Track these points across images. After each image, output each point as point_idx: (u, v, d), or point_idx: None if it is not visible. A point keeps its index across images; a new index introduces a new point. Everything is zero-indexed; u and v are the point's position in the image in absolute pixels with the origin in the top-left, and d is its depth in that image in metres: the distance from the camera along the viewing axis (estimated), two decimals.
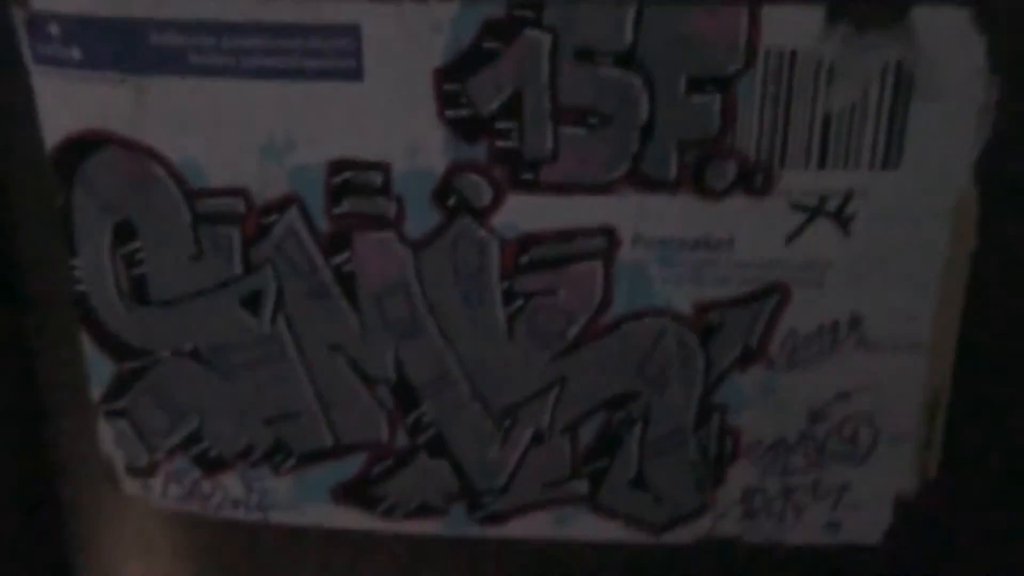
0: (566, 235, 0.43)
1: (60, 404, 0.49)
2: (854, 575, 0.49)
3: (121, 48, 0.41)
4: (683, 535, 0.48)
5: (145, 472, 0.49)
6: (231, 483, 0.49)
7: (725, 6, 0.39)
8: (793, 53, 0.39)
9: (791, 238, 0.42)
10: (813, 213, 0.42)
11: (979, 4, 0.38)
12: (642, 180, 0.42)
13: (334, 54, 0.40)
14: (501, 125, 0.41)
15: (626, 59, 0.40)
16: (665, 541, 0.48)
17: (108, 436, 0.49)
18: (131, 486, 0.50)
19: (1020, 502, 0.47)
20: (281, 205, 0.43)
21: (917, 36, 0.39)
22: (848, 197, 0.42)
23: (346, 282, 0.44)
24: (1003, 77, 0.39)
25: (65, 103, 0.42)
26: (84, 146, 0.43)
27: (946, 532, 0.48)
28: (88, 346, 0.47)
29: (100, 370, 0.47)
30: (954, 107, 0.40)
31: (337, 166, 0.42)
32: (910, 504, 0.47)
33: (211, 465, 0.48)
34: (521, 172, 0.42)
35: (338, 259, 0.44)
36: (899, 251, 0.42)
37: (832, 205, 0.42)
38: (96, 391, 0.48)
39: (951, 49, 0.39)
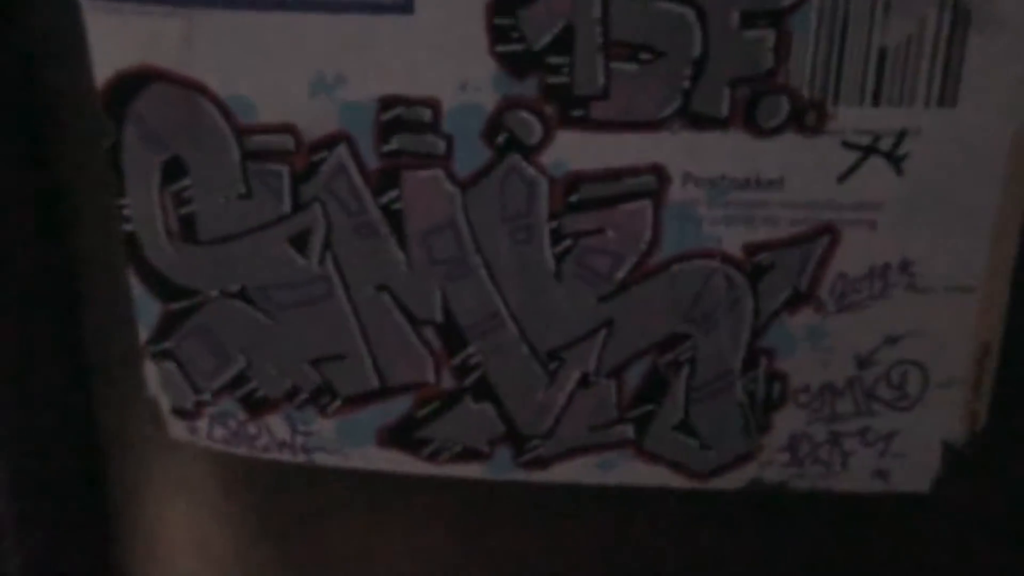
0: (615, 174, 0.42)
1: (106, 345, 0.50)
2: (902, 523, 0.48)
3: None
4: (729, 481, 0.48)
5: (191, 414, 0.49)
6: (277, 425, 0.49)
7: None
8: None
9: (843, 178, 0.42)
10: (866, 152, 0.41)
11: None
12: (693, 118, 0.41)
13: None
14: (552, 60, 0.41)
15: None
16: (710, 487, 0.48)
17: (154, 377, 0.49)
18: (176, 428, 0.50)
19: None
20: (330, 142, 0.43)
21: None
22: (902, 135, 0.41)
23: (394, 221, 0.44)
24: None
25: (115, 38, 0.42)
26: (134, 82, 0.43)
27: (996, 480, 0.47)
28: (136, 286, 0.47)
29: (147, 311, 0.47)
30: (1013, 41, 0.39)
31: (387, 102, 0.42)
32: (959, 451, 0.47)
33: (257, 406, 0.48)
34: (571, 109, 0.41)
35: (386, 197, 0.43)
36: (953, 192, 0.42)
37: (886, 144, 0.41)
38: (143, 332, 0.48)
39: None
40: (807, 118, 0.41)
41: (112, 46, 0.42)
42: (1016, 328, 0.44)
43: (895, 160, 0.41)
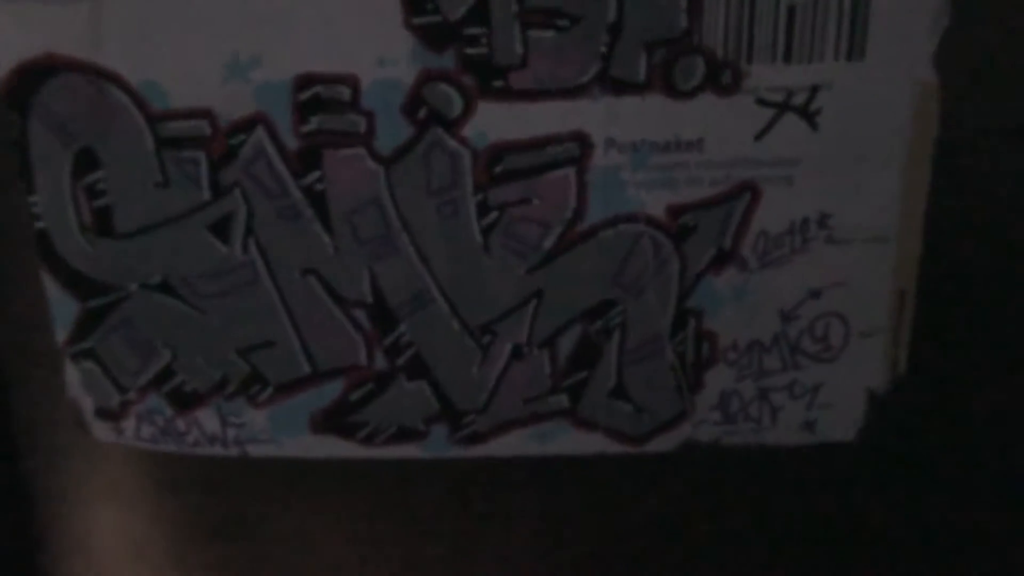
0: (538, 143, 0.43)
1: (22, 348, 0.48)
2: (832, 474, 0.49)
3: None
4: (663, 443, 0.48)
5: (116, 414, 0.48)
6: (206, 419, 0.48)
7: None
8: None
9: (760, 135, 0.43)
10: (780, 109, 0.42)
11: None
12: (612, 83, 0.42)
13: None
14: (469, 31, 0.41)
15: None
16: (646, 450, 0.48)
17: (74, 379, 0.47)
18: (101, 430, 0.48)
19: (990, 393, 0.48)
20: (248, 125, 0.42)
21: None
22: (814, 91, 0.42)
23: (317, 202, 0.43)
24: None
25: (16, 27, 0.41)
26: (38, 73, 0.41)
27: (919, 427, 0.49)
28: (50, 285, 0.45)
29: (64, 310, 0.46)
30: None
31: (304, 81, 0.41)
32: (882, 400, 0.48)
33: (185, 401, 0.47)
34: (491, 79, 0.41)
35: (308, 179, 0.43)
36: (865, 143, 0.43)
37: (799, 100, 0.42)
38: (60, 332, 0.46)
39: None
40: (723, 78, 0.42)
41: (12, 36, 0.41)
42: (930, 275, 0.46)
43: (809, 115, 0.42)
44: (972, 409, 0.48)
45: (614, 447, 0.48)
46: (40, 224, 0.44)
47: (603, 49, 0.41)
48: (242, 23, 0.40)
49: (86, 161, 0.43)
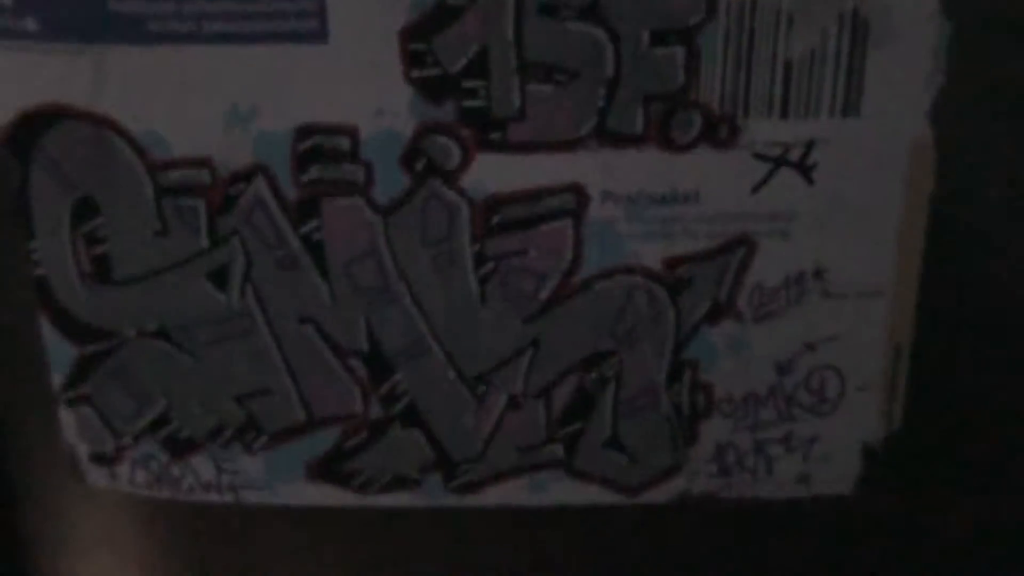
0: (535, 194, 0.43)
1: (17, 393, 0.48)
2: (827, 526, 0.49)
3: (78, 17, 0.40)
4: (658, 495, 0.48)
5: (110, 460, 0.48)
6: (201, 465, 0.48)
7: None
8: (754, 2, 0.40)
9: (756, 189, 0.43)
10: (777, 163, 0.43)
11: None
12: (609, 136, 0.42)
13: (297, 16, 0.40)
14: (468, 84, 0.41)
15: (590, 13, 0.40)
16: (641, 501, 0.48)
17: (70, 425, 0.47)
18: (95, 475, 0.48)
19: (985, 447, 0.48)
20: (247, 174, 0.42)
21: None
22: (810, 146, 0.42)
23: (315, 251, 0.44)
24: (955, 21, 0.40)
25: (19, 77, 0.41)
26: (40, 121, 0.42)
27: (915, 480, 0.48)
28: (48, 331, 0.46)
29: (60, 356, 0.46)
30: (909, 52, 0.41)
31: (303, 132, 0.42)
32: (878, 453, 0.48)
33: (180, 448, 0.47)
34: (489, 131, 0.42)
35: (307, 228, 0.43)
36: (860, 198, 0.43)
37: (795, 155, 0.42)
38: (57, 377, 0.46)
39: None
40: (720, 132, 0.42)
41: (16, 85, 0.41)
42: (926, 330, 0.46)
43: (805, 170, 0.43)
44: (968, 463, 0.48)
45: (609, 498, 0.48)
46: (39, 270, 0.45)
47: (600, 103, 0.41)
48: (242, 74, 0.41)
49: (86, 208, 0.43)
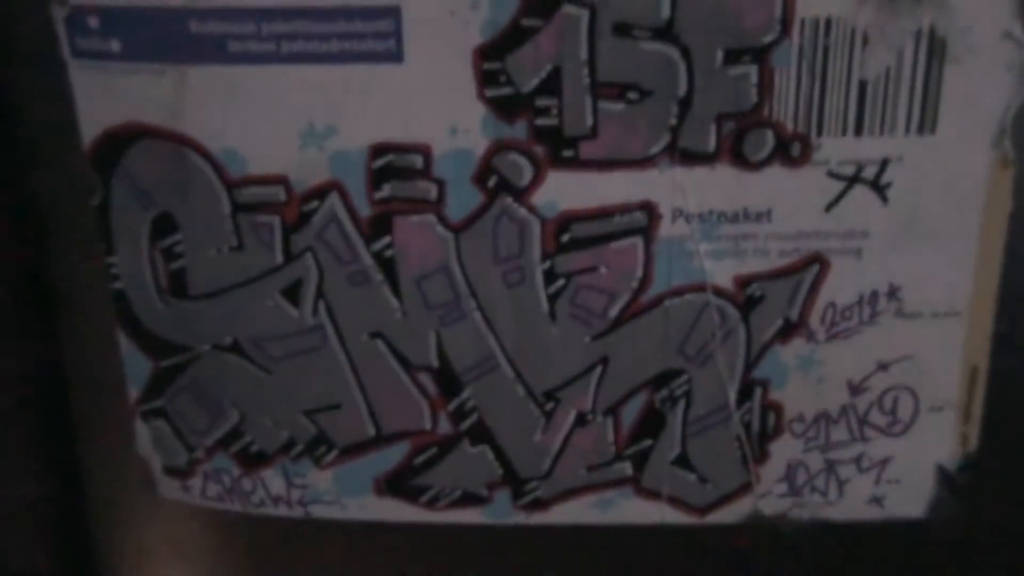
0: (606, 212, 0.43)
1: (94, 406, 0.49)
2: (899, 548, 0.49)
3: (160, 38, 0.41)
4: (728, 515, 0.48)
5: (183, 472, 0.49)
6: (272, 479, 0.48)
7: None
8: (828, 21, 0.40)
9: (829, 207, 0.43)
10: (851, 181, 0.42)
11: None
12: (681, 154, 0.42)
13: (374, 36, 0.40)
14: (541, 103, 0.41)
15: (664, 32, 0.40)
16: (710, 521, 0.48)
17: (145, 437, 0.48)
18: (168, 487, 0.49)
19: None
20: (322, 192, 0.43)
21: (949, 0, 0.40)
22: (885, 164, 0.42)
23: (387, 267, 0.44)
24: None
25: (103, 96, 0.42)
26: (122, 140, 0.43)
27: (990, 503, 0.48)
28: (125, 345, 0.47)
29: (137, 369, 0.47)
30: (987, 70, 0.40)
31: (378, 150, 0.42)
32: (952, 475, 0.47)
33: (252, 461, 0.48)
34: (561, 149, 0.42)
35: (379, 244, 0.44)
36: (936, 218, 0.43)
37: (869, 173, 0.42)
38: (133, 390, 0.47)
39: (983, 12, 0.40)
40: (792, 150, 0.42)
41: (100, 104, 0.43)
42: (1003, 351, 0.45)
43: (879, 188, 0.42)
44: None
45: (677, 517, 0.48)
46: (118, 284, 0.45)
47: (673, 121, 0.41)
48: (318, 93, 0.41)
49: (164, 224, 0.44)
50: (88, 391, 0.49)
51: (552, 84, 0.41)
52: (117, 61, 0.41)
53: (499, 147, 0.42)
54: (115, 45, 0.41)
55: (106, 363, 0.47)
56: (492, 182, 0.43)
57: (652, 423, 0.46)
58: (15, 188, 0.45)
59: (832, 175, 0.42)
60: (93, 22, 0.41)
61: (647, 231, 0.43)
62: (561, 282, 0.44)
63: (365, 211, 0.43)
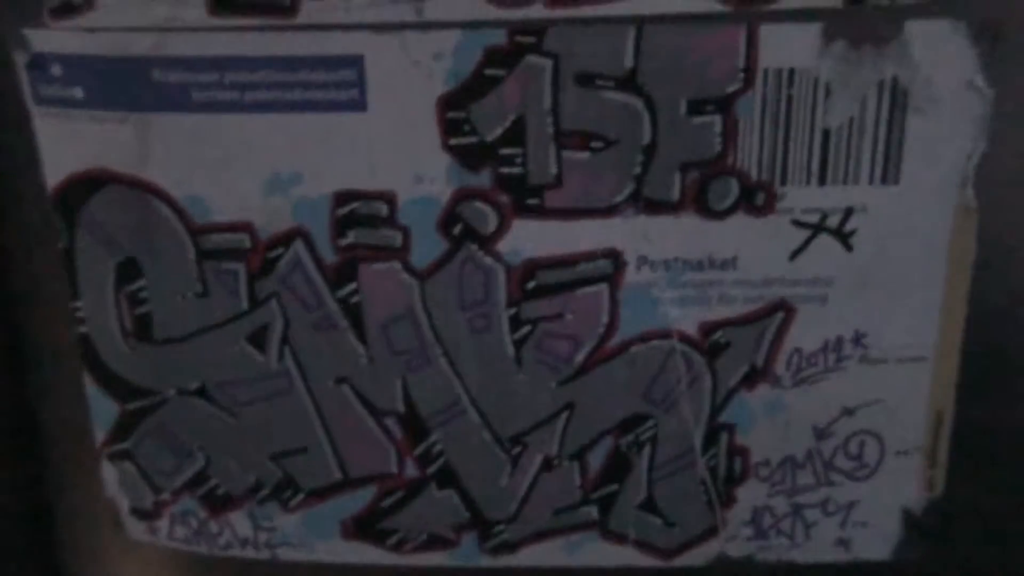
0: (571, 259, 0.43)
1: (61, 448, 0.49)
2: None
3: (124, 87, 0.41)
4: (694, 558, 0.48)
5: (150, 514, 0.48)
6: (239, 522, 0.48)
7: (723, 27, 0.39)
8: (791, 72, 0.40)
9: (794, 255, 0.43)
10: (815, 230, 0.42)
11: (971, 17, 0.39)
12: (645, 202, 0.42)
13: (338, 85, 0.40)
14: (505, 151, 0.41)
15: (627, 82, 0.40)
16: (676, 564, 0.48)
17: (112, 479, 0.48)
18: (135, 529, 0.49)
19: None
20: (286, 238, 0.43)
21: (911, 51, 0.40)
22: (849, 213, 0.42)
23: (353, 313, 0.44)
24: (997, 88, 0.40)
25: (67, 143, 0.42)
26: (87, 186, 0.43)
27: (955, 545, 0.48)
28: (91, 388, 0.46)
29: (103, 412, 0.47)
30: (950, 120, 0.41)
31: (342, 197, 0.42)
32: (918, 518, 0.47)
33: (218, 504, 0.48)
34: (526, 198, 0.42)
35: (344, 291, 0.44)
36: (901, 265, 0.43)
37: (833, 221, 0.42)
38: (99, 433, 0.47)
39: (945, 62, 0.40)
40: (757, 199, 0.42)
41: (64, 151, 0.42)
42: (968, 396, 0.45)
43: (843, 237, 0.42)
44: (1008, 531, 0.47)
45: (644, 560, 0.48)
46: (83, 329, 0.45)
47: (637, 170, 0.41)
48: (283, 141, 0.41)
49: (129, 270, 0.44)
50: (56, 432, 0.49)
51: (516, 133, 0.41)
52: (80, 108, 0.41)
53: (464, 195, 0.42)
54: (78, 92, 0.41)
55: (74, 405, 0.47)
56: (457, 230, 0.43)
57: (618, 467, 0.46)
58: None
59: (796, 223, 0.42)
60: (56, 69, 0.41)
61: (612, 278, 0.43)
62: (527, 328, 0.44)
63: (330, 258, 0.43)
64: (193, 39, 0.40)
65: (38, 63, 0.41)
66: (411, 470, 0.47)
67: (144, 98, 0.41)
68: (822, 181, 0.42)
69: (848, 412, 0.46)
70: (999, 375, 0.45)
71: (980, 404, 0.45)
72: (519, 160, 0.41)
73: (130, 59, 0.40)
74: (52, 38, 0.41)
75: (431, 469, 0.47)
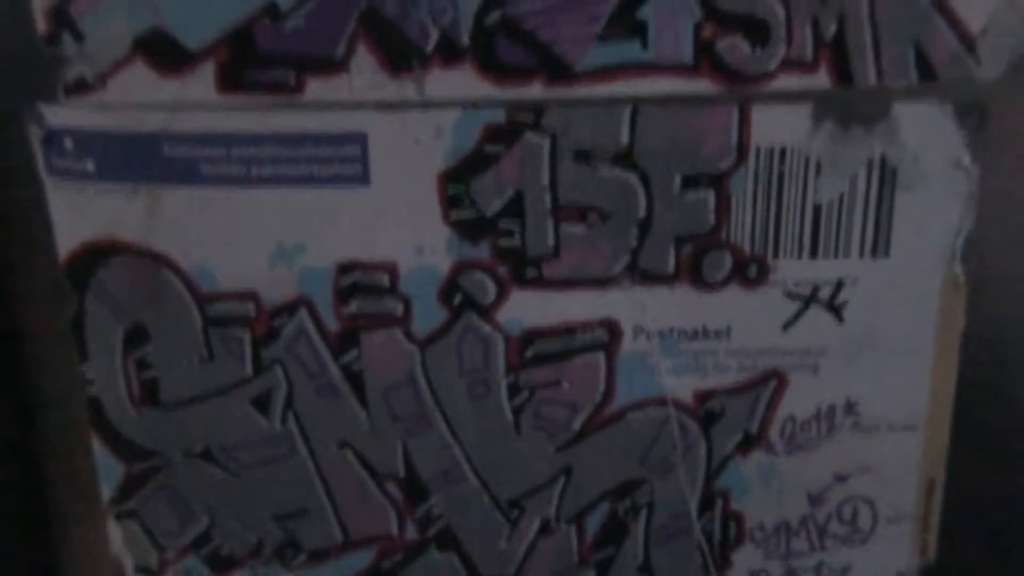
0: (569, 329, 0.44)
1: (69, 506, 0.50)
2: None
3: (134, 160, 0.42)
4: None
5: (154, 573, 0.49)
6: None
7: (716, 108, 0.41)
8: (782, 150, 0.41)
9: (787, 326, 0.44)
10: (807, 301, 0.43)
11: (956, 100, 0.40)
12: (641, 274, 0.43)
13: (341, 161, 0.42)
14: (504, 225, 0.42)
15: (623, 159, 0.41)
16: None
17: (117, 537, 0.49)
18: None
19: None
20: (291, 307, 0.44)
21: (899, 130, 0.41)
22: (840, 285, 0.43)
23: (355, 380, 0.45)
24: (982, 167, 0.41)
25: (78, 213, 0.43)
26: (97, 254, 0.44)
27: None
28: (98, 448, 0.47)
29: (110, 472, 0.48)
30: (937, 196, 0.42)
31: (345, 268, 0.43)
32: None
33: (221, 564, 0.49)
34: (524, 269, 0.43)
35: (347, 357, 0.45)
36: (891, 335, 0.44)
37: (825, 293, 0.43)
38: (106, 492, 0.48)
39: (932, 142, 0.41)
40: (749, 271, 0.43)
41: (75, 220, 0.44)
42: (959, 462, 0.46)
43: (835, 308, 0.43)
44: None
45: None
46: (92, 390, 0.46)
47: (633, 243, 0.43)
48: (288, 214, 0.42)
49: (137, 335, 0.45)
50: (63, 490, 0.50)
51: (515, 207, 0.42)
52: (92, 181, 0.43)
53: (464, 266, 0.43)
54: (90, 165, 0.43)
55: (81, 464, 0.48)
56: (457, 299, 0.44)
57: (615, 532, 0.47)
58: None
59: (789, 295, 0.43)
60: (69, 143, 0.42)
61: (609, 347, 0.44)
62: (525, 395, 0.45)
63: (333, 326, 0.44)
64: (202, 116, 0.41)
65: (52, 137, 0.42)
66: (411, 532, 0.47)
67: (154, 171, 0.42)
68: (813, 254, 0.43)
69: (841, 479, 0.46)
70: (989, 443, 0.46)
71: (971, 471, 0.46)
72: (518, 233, 0.43)
73: (141, 135, 0.42)
74: (66, 114, 0.42)
75: (431, 532, 0.47)
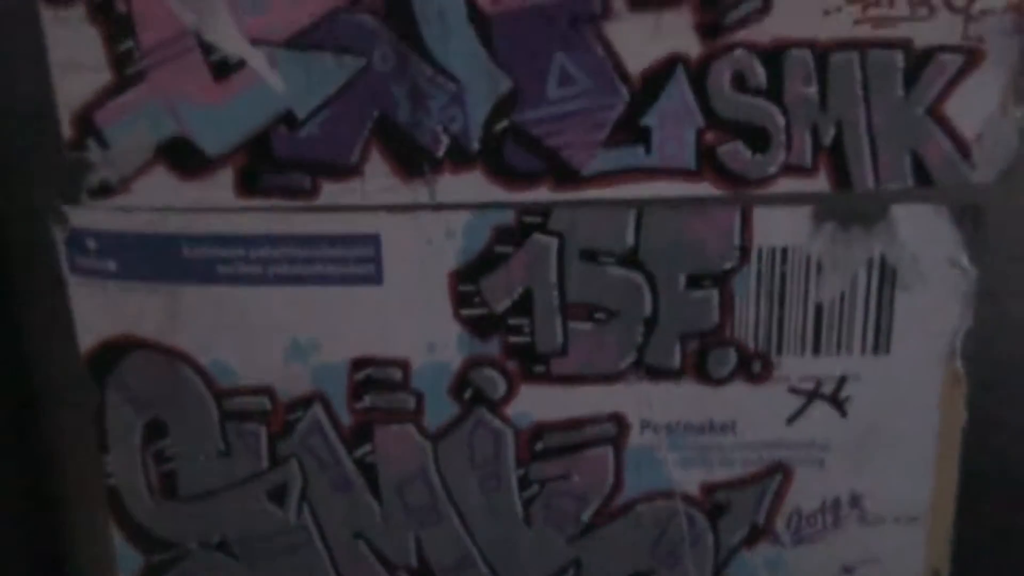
0: (577, 423, 0.45)
1: None
2: None
3: (155, 261, 0.44)
4: None
5: None
6: None
7: (719, 210, 0.42)
8: (784, 250, 0.42)
9: (791, 420, 0.45)
10: (810, 397, 0.44)
11: (952, 202, 0.41)
12: (647, 369, 0.44)
13: (355, 261, 0.43)
14: (513, 322, 0.44)
15: (628, 259, 0.43)
16: None
17: None
18: None
19: None
20: (306, 402, 0.45)
21: (898, 232, 0.42)
22: (843, 381, 0.44)
23: (368, 473, 0.46)
24: (980, 267, 0.42)
25: (100, 310, 0.45)
26: (117, 350, 0.45)
27: None
28: (118, 539, 0.48)
29: (129, 562, 0.49)
30: (937, 295, 0.43)
31: (359, 364, 0.44)
32: None
33: None
34: (533, 365, 0.44)
35: (360, 451, 0.46)
36: (894, 429, 0.45)
37: (828, 389, 0.44)
38: None
39: (929, 242, 0.42)
40: (754, 367, 0.44)
41: (97, 318, 0.45)
42: (963, 554, 0.46)
43: (838, 403, 0.44)
44: None
45: None
46: (111, 482, 0.47)
47: (639, 340, 0.44)
48: (303, 311, 0.44)
49: (156, 429, 0.46)
50: None
51: (524, 305, 0.43)
52: (113, 279, 0.44)
53: (474, 362, 0.44)
54: (112, 265, 0.44)
55: (101, 554, 0.49)
56: (468, 394, 0.45)
57: None
58: (15, 391, 0.48)
59: (792, 391, 0.44)
60: (91, 244, 0.44)
61: (617, 441, 0.45)
62: (535, 488, 0.46)
63: (347, 420, 0.45)
64: (220, 218, 0.43)
65: (75, 238, 0.44)
66: None
67: (173, 271, 0.44)
68: (816, 351, 0.44)
69: (847, 570, 0.47)
70: (992, 535, 0.46)
71: (975, 562, 0.46)
72: (527, 330, 0.44)
73: (161, 236, 0.43)
74: (89, 215, 0.43)
75: None
